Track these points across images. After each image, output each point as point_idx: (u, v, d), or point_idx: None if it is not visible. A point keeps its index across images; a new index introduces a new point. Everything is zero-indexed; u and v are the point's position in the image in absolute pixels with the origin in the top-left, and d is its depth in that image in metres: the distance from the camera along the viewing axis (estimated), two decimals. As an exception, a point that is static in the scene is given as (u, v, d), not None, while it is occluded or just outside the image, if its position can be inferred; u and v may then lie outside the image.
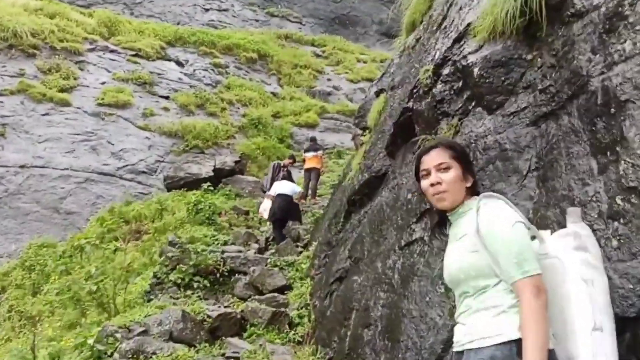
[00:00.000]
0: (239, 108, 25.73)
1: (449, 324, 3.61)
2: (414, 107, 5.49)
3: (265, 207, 13.32)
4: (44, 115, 20.10)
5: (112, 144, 19.79)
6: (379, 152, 6.80)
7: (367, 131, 8.71)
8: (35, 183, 17.21)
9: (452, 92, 4.87)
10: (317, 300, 6.77)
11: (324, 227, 8.85)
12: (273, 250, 11.88)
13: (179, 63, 27.80)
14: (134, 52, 26.83)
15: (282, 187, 12.76)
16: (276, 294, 7.46)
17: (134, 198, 17.60)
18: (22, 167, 17.57)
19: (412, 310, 4.05)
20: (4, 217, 16.05)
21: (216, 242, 12.42)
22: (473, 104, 4.57)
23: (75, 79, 23.03)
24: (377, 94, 9.23)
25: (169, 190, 17.18)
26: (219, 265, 8.61)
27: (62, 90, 21.75)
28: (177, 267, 8.39)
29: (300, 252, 11.35)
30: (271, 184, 13.92)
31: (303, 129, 25.54)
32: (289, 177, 14.70)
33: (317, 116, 26.91)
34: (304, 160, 18.00)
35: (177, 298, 7.65)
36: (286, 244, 10.92)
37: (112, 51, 26.36)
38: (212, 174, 17.39)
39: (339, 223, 7.58)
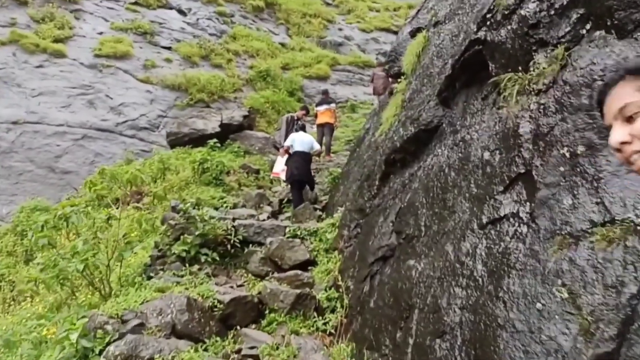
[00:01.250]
0: (245, 59, 24.17)
1: (585, 352, 2.38)
2: (488, 39, 4.13)
3: (281, 166, 12.07)
4: (37, 67, 18.68)
5: (111, 98, 18.42)
6: (427, 99, 5.47)
7: (403, 77, 7.34)
8: (28, 140, 15.96)
9: (553, 11, 3.52)
10: (350, 282, 5.57)
11: (352, 190, 7.59)
12: (289, 214, 10.68)
13: (181, 12, 26.08)
14: (133, 1, 25.14)
15: (300, 141, 11.37)
16: (298, 271, 6.25)
17: (135, 156, 16.35)
18: (14, 123, 16.29)
19: (513, 320, 2.82)
20: (-4, 177, 14.89)
21: (225, 205, 11.22)
22: (589, 25, 3.23)
23: (70, 28, 21.50)
24: (413, 34, 7.82)
25: (172, 147, 15.90)
26: (230, 234, 7.39)
27: (56, 41, 20.26)
28: (181, 237, 7.19)
29: (320, 217, 10.16)
30: (286, 138, 12.60)
31: (314, 82, 24.06)
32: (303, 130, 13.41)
33: (328, 68, 25.38)
34: (316, 115, 16.59)
35: (182, 275, 6.47)
36: (304, 208, 9.70)
37: (109, -1, 24.68)
38: (218, 129, 16.05)
39: (372, 187, 6.32)
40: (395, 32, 31.72)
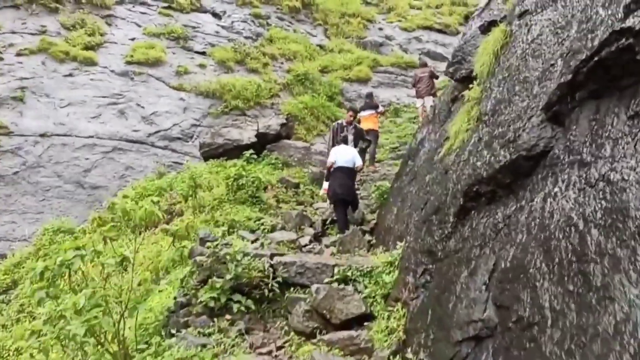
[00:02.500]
0: (282, 63, 23.03)
1: None
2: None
3: (326, 184, 10.85)
4: (66, 76, 17.95)
5: (143, 107, 17.51)
6: (526, 114, 4.10)
7: (475, 83, 5.96)
8: (56, 154, 15.16)
9: None
10: (424, 354, 4.23)
11: (413, 220, 6.25)
12: (334, 239, 9.40)
13: (215, 15, 25.15)
14: (166, 5, 24.33)
15: (341, 155, 10.11)
16: (353, 332, 4.96)
17: (167, 169, 15.35)
18: (42, 135, 15.52)
19: None
20: (22, 193, 14.08)
21: (262, 228, 10.03)
22: None
23: (101, 35, 20.76)
24: (485, 29, 6.43)
25: (205, 159, 14.83)
26: (267, 276, 6.16)
27: (87, 48, 19.53)
28: (210, 280, 5.99)
29: (370, 243, 8.84)
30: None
31: (354, 84, 22.77)
32: (356, 135, 12.14)
33: (369, 69, 24.03)
34: (358, 121, 15.22)
35: (209, 334, 5.26)
36: (352, 235, 8.40)
37: (142, 3, 23.95)
38: (255, 139, 14.91)
39: (445, 223, 4.97)
40: (440, 31, 30.22)
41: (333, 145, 11.36)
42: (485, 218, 4.27)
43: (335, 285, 5.98)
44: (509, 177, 4.04)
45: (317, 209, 11.88)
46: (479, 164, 4.54)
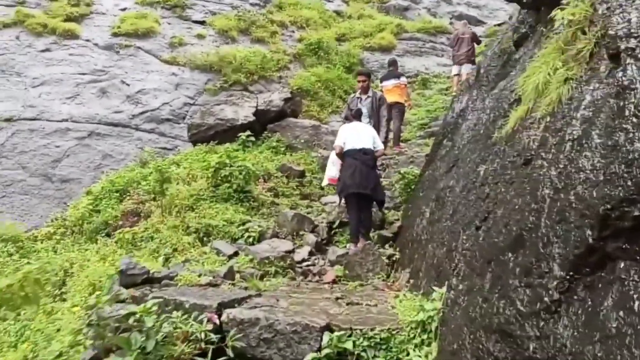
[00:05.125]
0: (293, 32, 20.26)
1: None
2: None
3: (331, 171, 8.20)
4: (42, 51, 15.56)
5: (128, 85, 15.04)
6: None
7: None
8: (22, 142, 12.83)
9: None
10: None
11: (462, 245, 3.59)
12: (341, 252, 6.80)
13: (218, -19, 22.43)
14: (164, -29, 21.73)
15: (352, 135, 7.45)
16: None
17: (153, 156, 12.85)
18: (7, 120, 13.20)
19: None
20: (-23, 190, 11.83)
21: (247, 236, 7.48)
22: None
23: (88, 5, 18.26)
24: None
25: (194, 144, 12.34)
26: (210, 345, 3.60)
27: (69, 20, 17.08)
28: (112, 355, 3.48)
29: (391, 259, 6.22)
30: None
31: (376, 54, 19.92)
32: (375, 106, 9.35)
33: (393, 37, 21.12)
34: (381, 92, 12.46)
35: None
36: (364, 253, 5.78)
37: (137, -30, 21.35)
38: (252, 118, 12.34)
39: (544, 276, 2.33)
40: (471, -9, 27.01)
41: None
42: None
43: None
44: None
45: (325, 204, 9.31)
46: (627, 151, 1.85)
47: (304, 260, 6.86)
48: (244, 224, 7.78)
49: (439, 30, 22.30)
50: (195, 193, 8.74)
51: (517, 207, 2.78)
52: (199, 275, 5.06)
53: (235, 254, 6.84)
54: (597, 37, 2.68)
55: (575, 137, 2.46)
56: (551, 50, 3.28)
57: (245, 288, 4.82)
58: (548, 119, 2.87)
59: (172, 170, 9.29)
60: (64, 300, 6.86)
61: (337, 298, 4.57)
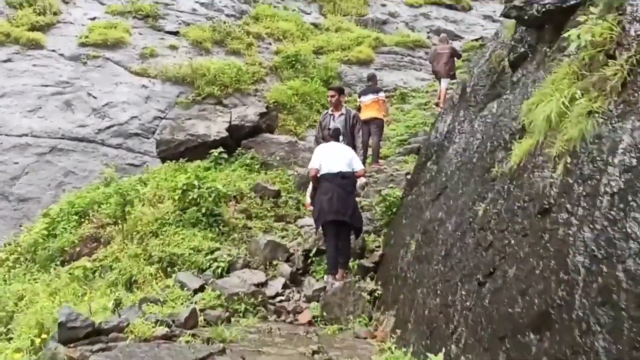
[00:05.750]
0: (270, 44, 19.75)
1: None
2: None
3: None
4: (3, 62, 14.77)
5: (95, 97, 14.31)
6: None
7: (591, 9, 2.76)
8: (-24, 158, 12.02)
9: None
10: None
11: (462, 303, 3.05)
12: (320, 286, 6.25)
13: (193, -9, 21.83)
14: (137, -20, 21.04)
15: (329, 157, 6.89)
16: None
17: (120, 172, 12.13)
18: (-38, 135, 12.39)
19: None
20: None
21: (214, 266, 6.87)
22: None
23: (55, 14, 17.48)
24: None
25: (163, 161, 11.68)
26: None
27: (33, 29, 16.29)
28: None
29: (373, 294, 5.69)
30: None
31: (354, 67, 19.51)
32: (348, 124, 8.73)
33: (371, 50, 20.76)
34: (359, 108, 12.01)
35: None
36: (344, 291, 5.22)
37: (108, -21, 20.64)
38: (225, 134, 11.73)
39: None
40: (450, 6, 26.72)
41: (320, 142, 8.14)
42: None
43: None
44: None
45: (301, 227, 8.74)
46: None
47: (277, 294, 6.26)
48: (212, 252, 7.15)
49: (417, 44, 22.07)
50: (161, 217, 8.09)
51: (537, 271, 2.26)
52: (155, 323, 4.43)
53: (202, 288, 6.21)
54: (630, 63, 2.19)
55: (616, 190, 1.96)
56: (563, 75, 2.78)
57: (208, 340, 4.22)
58: (568, 159, 2.37)
59: (138, 190, 8.62)
60: (10, 339, 6.17)
61: (314, 353, 3.98)
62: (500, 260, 2.64)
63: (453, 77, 15.11)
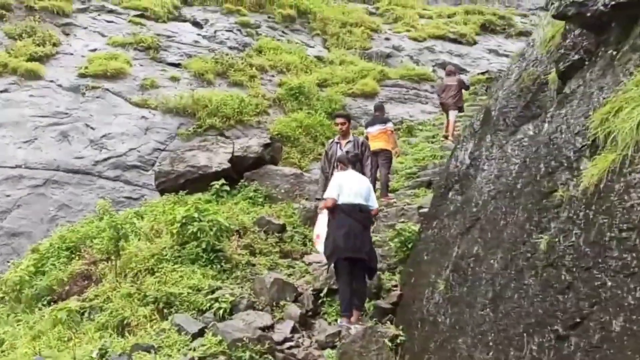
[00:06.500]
0: (273, 76, 19.43)
1: None
2: None
3: (320, 229, 6.98)
4: (0, 92, 14.35)
5: (93, 128, 13.86)
6: None
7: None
8: (-33, 191, 11.47)
9: None
10: None
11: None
12: (331, 330, 5.60)
13: (196, 24, 21.70)
14: (138, 12, 20.89)
15: (348, 186, 6.30)
16: None
17: (117, 205, 11.57)
18: (-47, 167, 11.87)
19: None
20: None
21: (216, 307, 6.22)
22: None
23: (54, 45, 17.22)
24: None
25: (161, 193, 11.10)
26: None
27: (32, 60, 15.96)
28: None
29: (394, 341, 5.04)
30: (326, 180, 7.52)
31: (359, 100, 19.14)
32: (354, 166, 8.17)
33: (375, 83, 20.43)
34: (366, 139, 11.44)
35: None
36: (365, 338, 4.56)
37: (110, 11, 20.54)
38: (227, 165, 11.19)
39: None
40: (454, 40, 26.58)
41: (326, 173, 7.58)
42: None
43: None
44: None
45: (309, 264, 8.12)
46: None
47: (286, 339, 5.60)
48: (213, 291, 6.50)
49: (423, 77, 21.77)
50: (157, 252, 7.46)
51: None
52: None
53: (201, 332, 5.56)
54: None
55: None
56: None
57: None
58: None
59: (134, 223, 8.03)
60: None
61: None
62: (591, 307, 2.05)
63: (461, 109, 14.78)
